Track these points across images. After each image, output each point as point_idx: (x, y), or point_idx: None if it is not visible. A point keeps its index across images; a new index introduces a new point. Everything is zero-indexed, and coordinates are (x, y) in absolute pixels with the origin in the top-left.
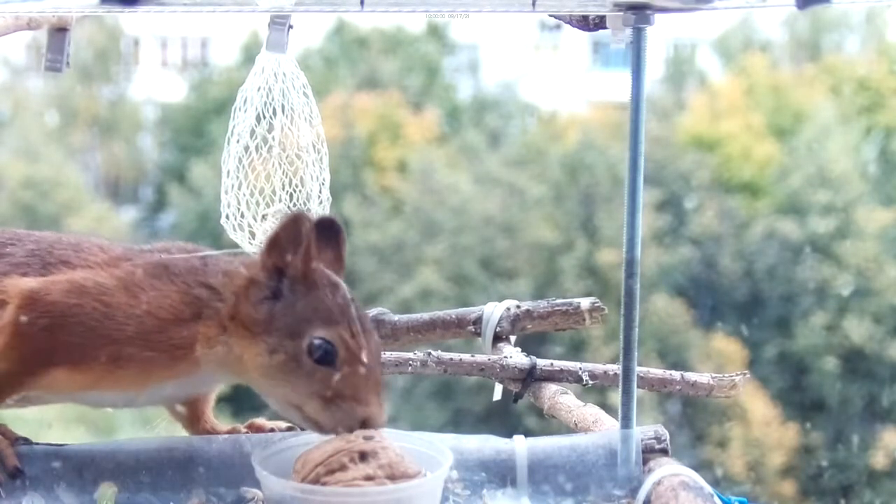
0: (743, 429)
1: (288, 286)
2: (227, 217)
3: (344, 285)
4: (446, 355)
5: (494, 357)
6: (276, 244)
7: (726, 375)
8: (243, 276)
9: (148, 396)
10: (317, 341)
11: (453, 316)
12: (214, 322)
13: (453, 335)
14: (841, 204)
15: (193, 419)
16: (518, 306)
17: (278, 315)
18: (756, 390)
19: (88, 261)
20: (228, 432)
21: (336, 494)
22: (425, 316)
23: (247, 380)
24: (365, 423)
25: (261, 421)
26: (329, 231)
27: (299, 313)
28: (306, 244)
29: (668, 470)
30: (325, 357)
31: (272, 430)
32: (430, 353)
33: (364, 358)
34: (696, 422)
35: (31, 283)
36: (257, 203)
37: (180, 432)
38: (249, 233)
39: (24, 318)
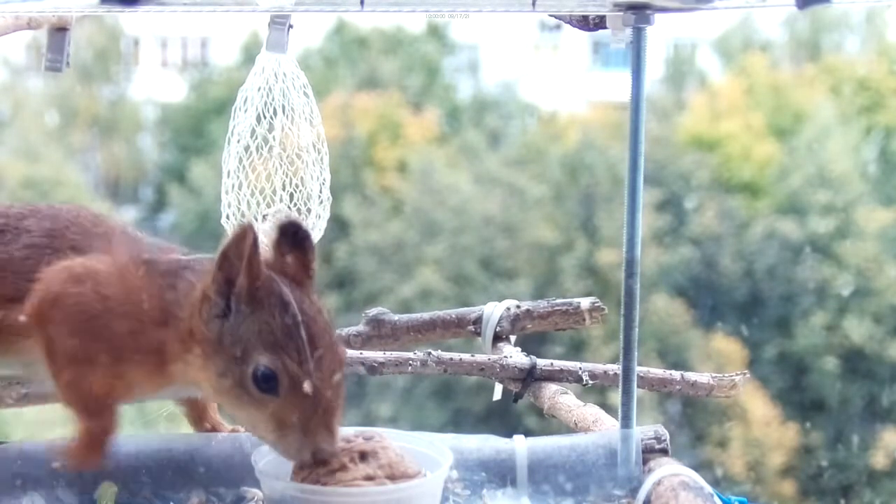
0: (743, 429)
1: (235, 304)
2: (228, 217)
3: (294, 303)
4: (446, 355)
5: (494, 357)
6: (225, 258)
7: (726, 375)
8: (198, 289)
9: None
10: (260, 369)
11: (453, 316)
12: (177, 335)
13: (453, 335)
14: (841, 204)
15: (195, 416)
16: (518, 306)
17: (226, 335)
18: (756, 390)
19: (93, 248)
20: (230, 431)
21: (336, 494)
22: (425, 316)
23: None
24: (314, 455)
25: None
26: (294, 237)
27: (244, 336)
28: (248, 260)
29: (668, 470)
30: (268, 385)
31: None
32: (430, 353)
33: (307, 387)
34: (696, 422)
35: (35, 296)
36: (258, 203)
37: (180, 431)
38: None
39: (44, 316)
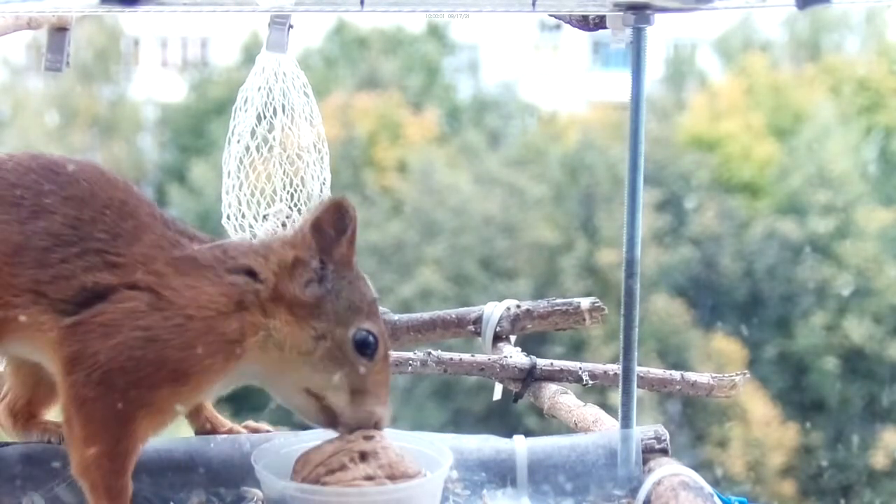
0: (743, 429)
1: (332, 272)
2: (229, 217)
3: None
4: (446, 355)
5: (494, 357)
6: (319, 227)
7: (726, 375)
8: (286, 256)
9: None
10: (363, 333)
11: (453, 316)
12: (257, 308)
13: (453, 335)
14: (841, 204)
15: (193, 412)
16: (518, 306)
17: (326, 300)
18: (756, 390)
19: (121, 256)
20: (227, 432)
21: (336, 494)
22: (425, 316)
23: (268, 372)
24: (377, 424)
25: (255, 424)
26: (340, 215)
27: (347, 301)
28: (352, 230)
29: (668, 470)
30: (367, 349)
31: (268, 430)
32: (430, 353)
33: (391, 356)
34: (696, 422)
35: (70, 349)
36: (258, 203)
37: (180, 432)
38: (251, 233)
39: (77, 379)
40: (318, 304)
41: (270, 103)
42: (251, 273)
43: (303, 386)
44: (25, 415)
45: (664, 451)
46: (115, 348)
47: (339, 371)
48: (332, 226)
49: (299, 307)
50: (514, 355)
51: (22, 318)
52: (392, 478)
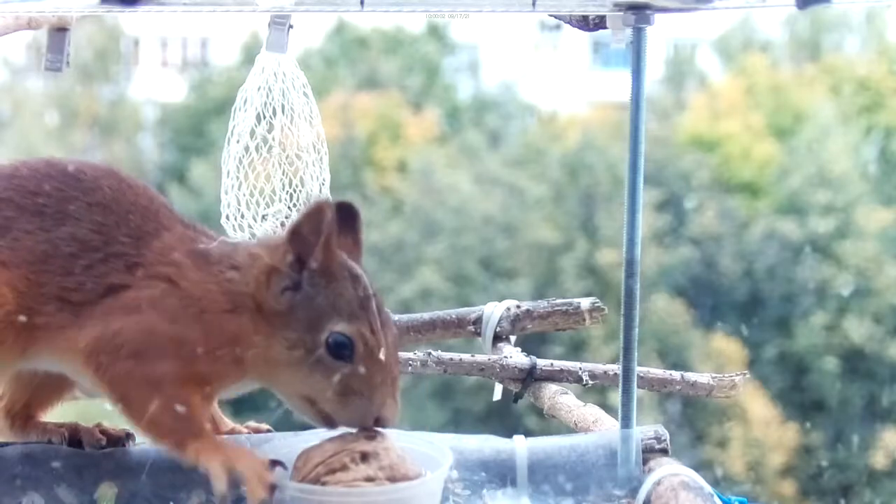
0: (743, 429)
1: (308, 277)
2: (228, 217)
3: (365, 276)
4: (446, 355)
5: (494, 357)
6: (297, 233)
7: (726, 375)
8: (264, 263)
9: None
10: (335, 336)
11: (453, 316)
12: (248, 316)
13: (453, 335)
14: (841, 204)
15: None
16: (518, 306)
17: (298, 307)
18: (756, 390)
19: (143, 256)
20: (230, 431)
21: (336, 494)
22: (425, 316)
23: (262, 378)
24: (378, 422)
25: (256, 423)
26: (347, 215)
27: (319, 306)
28: (327, 235)
29: (668, 470)
30: (343, 352)
31: (268, 430)
32: (430, 353)
33: (381, 355)
34: (696, 422)
35: (91, 333)
36: (257, 203)
37: None
38: (250, 233)
39: (103, 360)
40: (291, 312)
41: (270, 103)
42: (241, 271)
43: (294, 392)
44: (23, 416)
45: (664, 451)
46: (138, 324)
47: (322, 376)
48: (311, 231)
49: (274, 316)
50: (514, 355)
51: (48, 324)
52: (393, 480)
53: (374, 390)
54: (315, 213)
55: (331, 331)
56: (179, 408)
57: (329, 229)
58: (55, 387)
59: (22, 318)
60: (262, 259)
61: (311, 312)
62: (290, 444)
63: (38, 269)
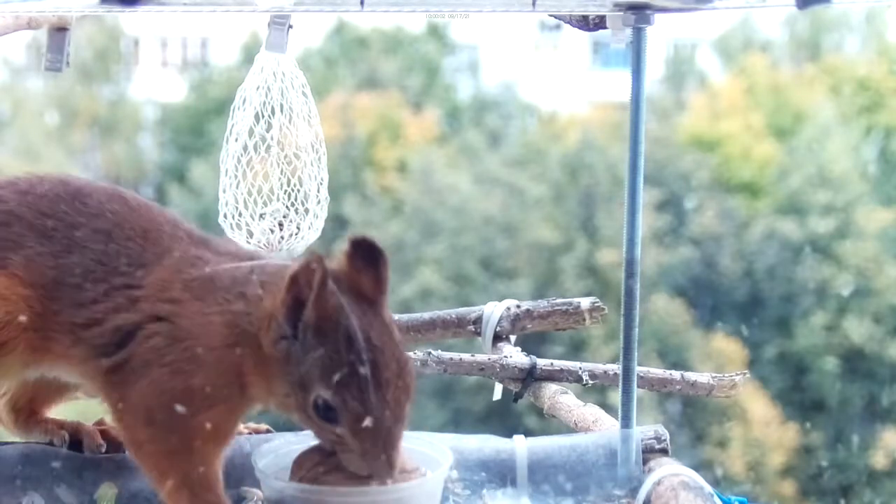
0: (743, 429)
1: (302, 332)
2: (226, 216)
3: (360, 336)
4: (446, 355)
5: (494, 357)
6: (294, 282)
7: (726, 375)
8: (265, 308)
9: None
10: (320, 401)
11: (453, 316)
12: (250, 352)
13: (453, 335)
14: (841, 204)
15: None
16: (518, 306)
17: (292, 360)
18: (756, 390)
19: (142, 288)
20: None
21: (336, 494)
22: (425, 316)
23: (273, 407)
24: (370, 478)
25: (255, 424)
26: (369, 252)
27: (308, 364)
28: (317, 294)
29: (668, 470)
30: (330, 416)
31: (268, 430)
32: (430, 353)
33: (367, 421)
34: (696, 422)
35: (115, 398)
36: (255, 202)
37: None
38: (247, 231)
39: (127, 424)
40: (287, 362)
41: (269, 103)
42: (250, 305)
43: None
44: (27, 412)
45: (664, 451)
46: (149, 387)
47: (317, 429)
48: (306, 282)
49: (273, 361)
50: (514, 355)
51: (67, 354)
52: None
53: (365, 454)
54: (308, 268)
55: (316, 393)
56: (190, 491)
57: (319, 287)
58: (60, 385)
59: (35, 335)
60: (265, 302)
61: (303, 368)
62: (289, 445)
63: (51, 294)
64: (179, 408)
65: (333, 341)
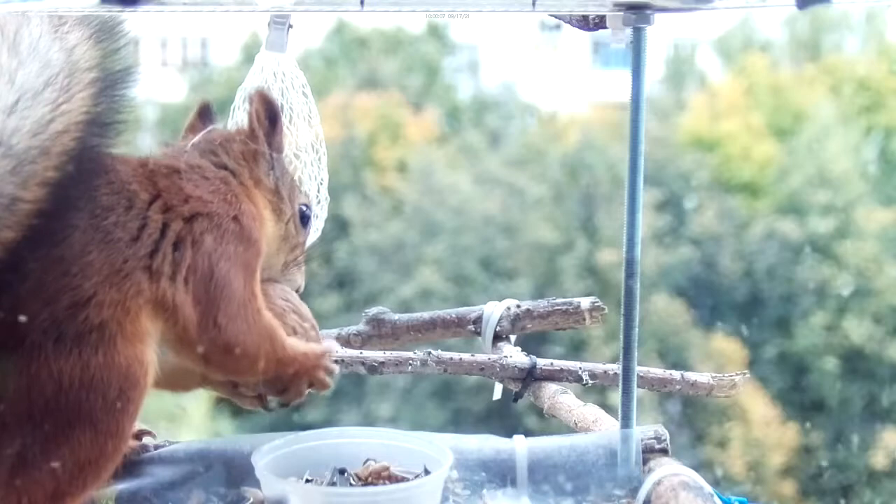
0: (743, 429)
1: (275, 159)
2: None
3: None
4: (446, 355)
5: (494, 357)
6: (259, 120)
7: (726, 375)
8: (247, 149)
9: None
10: (303, 207)
11: (453, 315)
12: (252, 200)
13: (453, 335)
14: (841, 204)
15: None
16: (518, 306)
17: (280, 185)
18: (756, 390)
19: (168, 199)
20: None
21: (336, 494)
22: (425, 316)
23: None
24: (299, 290)
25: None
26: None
27: (289, 183)
28: (280, 119)
29: (668, 470)
30: (306, 221)
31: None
32: (430, 353)
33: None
34: (696, 422)
35: (185, 318)
36: None
37: (181, 434)
38: None
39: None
40: (278, 189)
41: None
42: (225, 167)
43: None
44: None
45: (664, 451)
46: (213, 282)
47: (286, 247)
48: (267, 117)
49: (268, 192)
50: (514, 355)
51: (153, 296)
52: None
53: (302, 260)
54: (264, 100)
55: (299, 203)
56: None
57: (280, 114)
58: None
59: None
60: (240, 146)
61: (287, 188)
62: (289, 445)
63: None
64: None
65: (288, 162)
